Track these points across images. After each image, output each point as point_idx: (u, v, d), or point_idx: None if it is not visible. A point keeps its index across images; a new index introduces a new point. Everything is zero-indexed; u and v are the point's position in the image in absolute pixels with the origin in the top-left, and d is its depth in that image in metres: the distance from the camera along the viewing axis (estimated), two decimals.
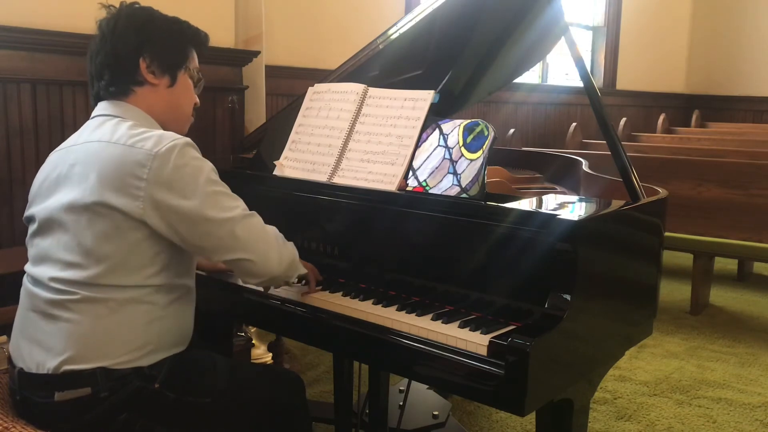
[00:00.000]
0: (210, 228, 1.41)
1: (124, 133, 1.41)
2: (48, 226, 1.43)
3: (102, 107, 1.53)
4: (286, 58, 3.64)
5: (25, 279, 1.49)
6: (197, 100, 1.65)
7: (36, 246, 1.46)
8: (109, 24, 1.53)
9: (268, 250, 1.49)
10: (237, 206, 1.46)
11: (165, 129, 1.51)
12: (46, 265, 1.43)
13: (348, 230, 1.72)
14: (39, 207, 1.46)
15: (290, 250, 1.57)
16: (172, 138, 1.40)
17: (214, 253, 1.46)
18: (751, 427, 2.68)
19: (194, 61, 1.63)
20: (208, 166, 1.44)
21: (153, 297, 1.43)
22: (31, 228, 1.49)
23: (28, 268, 1.48)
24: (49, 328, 1.39)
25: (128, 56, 1.51)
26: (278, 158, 1.91)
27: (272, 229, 1.54)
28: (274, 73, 3.22)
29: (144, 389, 1.41)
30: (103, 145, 1.41)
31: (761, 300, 4.33)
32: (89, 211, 1.37)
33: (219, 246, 1.44)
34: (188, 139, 1.43)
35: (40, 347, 1.40)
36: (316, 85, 1.97)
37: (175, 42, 1.58)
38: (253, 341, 2.81)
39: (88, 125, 1.51)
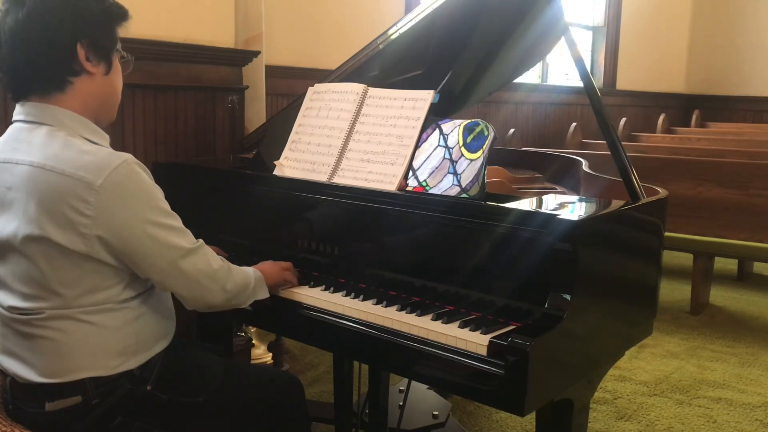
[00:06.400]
0: (154, 261, 1.35)
1: (60, 155, 1.29)
2: None
3: (27, 110, 1.36)
4: (286, 58, 3.63)
5: None
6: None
7: None
8: (35, 3, 1.32)
9: (209, 285, 1.43)
10: (182, 240, 1.38)
11: (98, 120, 1.41)
12: (3, 292, 1.36)
13: (348, 230, 1.72)
14: None
15: (239, 280, 1.50)
16: (113, 164, 1.29)
17: (158, 284, 1.41)
18: (751, 427, 2.68)
19: (118, 41, 1.46)
20: (153, 194, 1.35)
21: (123, 304, 1.39)
22: None
23: None
24: (25, 344, 1.35)
25: (64, 43, 1.34)
26: (278, 158, 1.91)
27: (217, 262, 1.46)
28: (274, 73, 3.21)
29: (136, 392, 1.39)
30: (37, 171, 1.29)
31: (761, 300, 4.32)
32: (35, 243, 1.29)
33: (163, 278, 1.39)
34: (129, 161, 1.32)
35: (22, 363, 1.36)
36: (316, 85, 1.97)
37: (106, 21, 1.40)
38: (253, 341, 2.81)
39: (13, 135, 1.37)
